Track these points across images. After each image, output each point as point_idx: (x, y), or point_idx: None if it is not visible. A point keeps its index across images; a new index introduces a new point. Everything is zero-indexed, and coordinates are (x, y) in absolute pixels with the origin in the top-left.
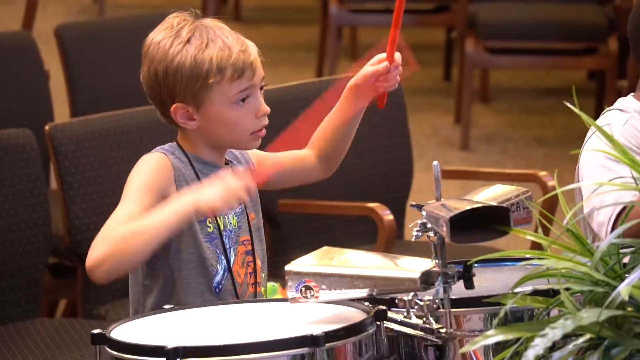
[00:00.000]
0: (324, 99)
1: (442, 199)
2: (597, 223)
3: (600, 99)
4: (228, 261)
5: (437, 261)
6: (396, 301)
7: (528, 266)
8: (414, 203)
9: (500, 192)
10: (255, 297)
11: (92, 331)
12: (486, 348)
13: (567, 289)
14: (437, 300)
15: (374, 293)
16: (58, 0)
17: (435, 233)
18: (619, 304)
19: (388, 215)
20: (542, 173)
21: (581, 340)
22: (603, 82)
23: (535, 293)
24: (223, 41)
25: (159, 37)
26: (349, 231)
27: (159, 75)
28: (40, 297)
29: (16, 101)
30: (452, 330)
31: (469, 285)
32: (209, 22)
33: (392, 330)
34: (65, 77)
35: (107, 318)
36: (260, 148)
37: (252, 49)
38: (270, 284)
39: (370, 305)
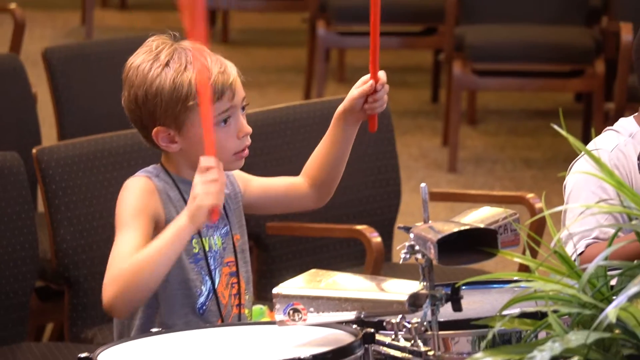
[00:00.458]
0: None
1: (429, 221)
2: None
3: (587, 121)
4: (213, 282)
5: (425, 283)
6: (384, 324)
7: (516, 288)
8: (402, 225)
9: (488, 215)
10: (240, 319)
11: (79, 355)
12: None
13: (554, 312)
14: (425, 323)
15: (362, 316)
16: (45, 23)
17: (423, 255)
18: (607, 327)
19: (376, 238)
20: (530, 195)
21: None
22: (590, 104)
23: (523, 315)
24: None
25: (138, 61)
26: (337, 253)
27: (139, 100)
28: (27, 320)
29: (3, 124)
30: (440, 352)
31: (457, 307)
32: (188, 44)
33: (380, 353)
34: (52, 100)
35: (94, 341)
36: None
37: (232, 69)
38: (257, 307)
39: (358, 327)
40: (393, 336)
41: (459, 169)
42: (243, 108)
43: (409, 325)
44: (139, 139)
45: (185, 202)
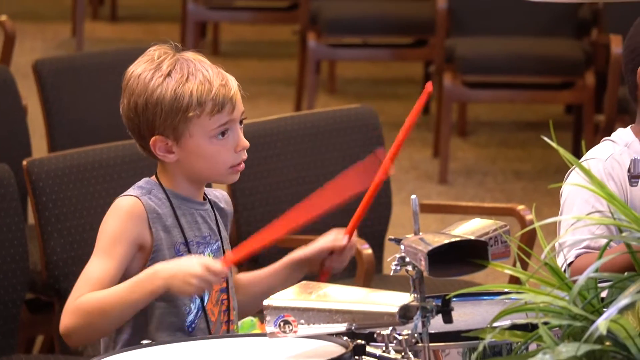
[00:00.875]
0: (338, 181)
1: (420, 233)
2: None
3: (577, 133)
4: (202, 299)
5: (415, 295)
6: (375, 335)
7: (506, 300)
8: (393, 237)
9: (479, 226)
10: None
11: None
12: None
13: (545, 323)
14: (415, 335)
15: (353, 327)
16: (36, 35)
17: (414, 267)
18: (597, 338)
19: (367, 250)
20: (520, 207)
21: None
22: (580, 116)
23: (514, 327)
24: (203, 75)
25: (140, 69)
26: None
27: (138, 108)
28: (17, 333)
29: None
30: None
31: (448, 319)
32: (190, 55)
33: None
34: (43, 112)
35: (84, 354)
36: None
37: (233, 83)
38: (248, 319)
39: (349, 339)
40: (384, 348)
41: (450, 180)
42: (241, 122)
43: (399, 337)
44: (130, 150)
45: (177, 217)
